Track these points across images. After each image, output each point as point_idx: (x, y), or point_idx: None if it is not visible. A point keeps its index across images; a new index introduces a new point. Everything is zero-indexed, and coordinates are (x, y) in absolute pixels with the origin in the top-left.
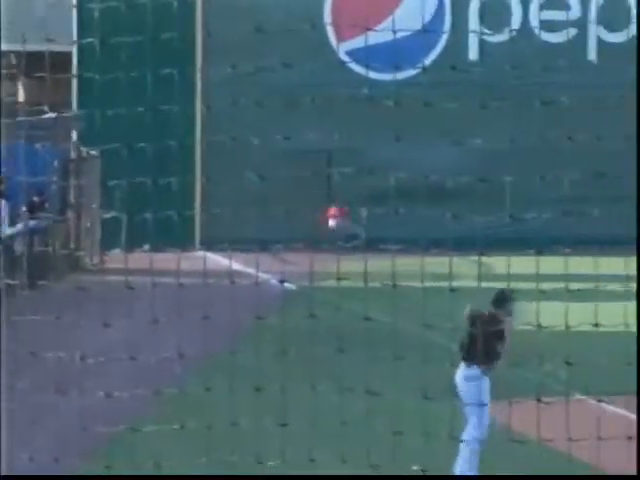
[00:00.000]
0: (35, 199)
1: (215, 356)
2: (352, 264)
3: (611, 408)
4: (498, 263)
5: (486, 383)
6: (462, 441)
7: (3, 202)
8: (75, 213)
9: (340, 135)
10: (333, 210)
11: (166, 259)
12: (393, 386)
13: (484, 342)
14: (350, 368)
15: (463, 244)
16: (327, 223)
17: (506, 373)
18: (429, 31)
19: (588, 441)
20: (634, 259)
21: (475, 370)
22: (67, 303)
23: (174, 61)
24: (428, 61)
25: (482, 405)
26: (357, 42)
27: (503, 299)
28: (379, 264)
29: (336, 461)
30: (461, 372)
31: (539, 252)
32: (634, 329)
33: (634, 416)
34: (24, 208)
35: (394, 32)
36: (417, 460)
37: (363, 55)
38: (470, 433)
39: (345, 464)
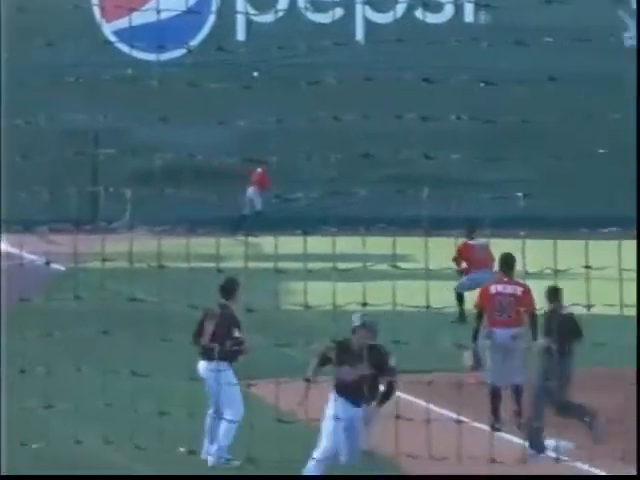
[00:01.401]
0: None
1: None
2: (118, 245)
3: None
4: (265, 243)
5: (228, 373)
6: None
7: None
8: None
9: (105, 116)
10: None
11: None
12: (159, 367)
13: (216, 334)
14: (116, 349)
15: (230, 224)
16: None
17: (274, 353)
18: (194, 12)
19: None
20: (401, 239)
21: (214, 363)
22: None
23: None
24: (195, 42)
25: (230, 393)
26: (123, 22)
27: (230, 288)
28: (145, 244)
29: (101, 442)
30: (202, 365)
31: (306, 232)
32: (401, 308)
33: (403, 395)
34: None
35: (158, 12)
36: (183, 441)
37: (128, 35)
38: (228, 415)
39: (110, 445)
